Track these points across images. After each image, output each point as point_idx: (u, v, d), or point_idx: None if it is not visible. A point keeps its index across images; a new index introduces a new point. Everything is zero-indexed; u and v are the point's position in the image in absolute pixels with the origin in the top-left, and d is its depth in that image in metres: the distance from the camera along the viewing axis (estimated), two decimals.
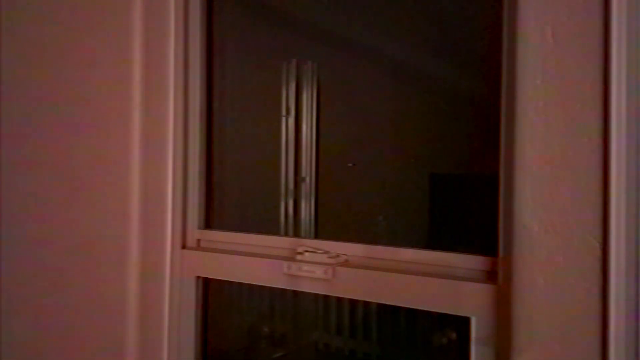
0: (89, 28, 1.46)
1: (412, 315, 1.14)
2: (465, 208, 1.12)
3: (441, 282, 1.02)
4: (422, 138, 1.17)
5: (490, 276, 0.99)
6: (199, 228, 1.37)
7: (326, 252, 1.17)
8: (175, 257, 1.34)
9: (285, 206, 1.34)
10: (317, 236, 1.31)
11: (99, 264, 1.43)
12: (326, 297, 1.24)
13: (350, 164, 1.26)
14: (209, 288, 1.38)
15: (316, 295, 1.25)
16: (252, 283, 1.27)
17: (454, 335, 1.08)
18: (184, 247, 1.36)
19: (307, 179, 1.32)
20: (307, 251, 1.19)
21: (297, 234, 1.33)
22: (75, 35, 1.48)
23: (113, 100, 1.40)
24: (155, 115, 1.35)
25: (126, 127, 1.37)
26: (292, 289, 1.21)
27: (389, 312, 1.17)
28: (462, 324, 1.01)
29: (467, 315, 0.99)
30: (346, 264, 1.15)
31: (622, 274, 0.82)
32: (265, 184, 1.39)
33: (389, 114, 1.21)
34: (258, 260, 1.25)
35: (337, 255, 1.16)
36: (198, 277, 1.35)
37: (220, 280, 1.33)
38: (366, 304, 1.20)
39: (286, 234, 1.34)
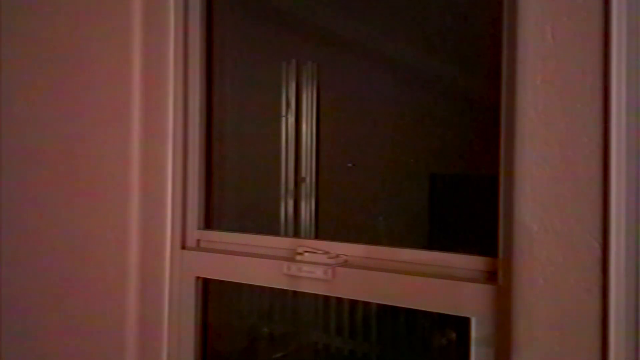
0: (88, 28, 1.46)
1: (412, 315, 1.14)
2: (465, 208, 1.11)
3: (441, 282, 1.02)
4: (422, 138, 1.17)
5: (490, 276, 0.99)
6: (199, 228, 1.37)
7: (326, 253, 1.17)
8: (175, 258, 1.34)
9: (285, 206, 1.34)
10: (317, 236, 1.31)
11: (99, 264, 1.43)
12: (326, 297, 1.24)
13: (350, 164, 1.26)
14: (208, 288, 1.38)
15: (316, 295, 1.25)
16: (251, 283, 1.27)
17: (453, 336, 1.08)
18: (183, 247, 1.36)
19: (307, 179, 1.32)
20: (307, 251, 1.19)
21: (297, 234, 1.32)
22: (75, 35, 1.48)
23: (113, 100, 1.40)
24: (155, 115, 1.35)
25: (126, 127, 1.37)
26: (292, 289, 1.21)
27: (388, 313, 1.17)
28: (462, 324, 1.01)
29: (467, 315, 0.99)
30: (346, 264, 1.15)
31: (622, 274, 0.82)
32: (265, 184, 1.39)
33: (389, 114, 1.21)
34: (258, 261, 1.25)
35: (337, 256, 1.16)
36: (198, 278, 1.34)
37: (219, 280, 1.33)
38: (366, 304, 1.20)
39: (286, 235, 1.33)
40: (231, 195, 1.43)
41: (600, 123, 0.84)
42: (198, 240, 1.37)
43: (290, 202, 1.34)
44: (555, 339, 0.86)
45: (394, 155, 1.20)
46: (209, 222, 1.40)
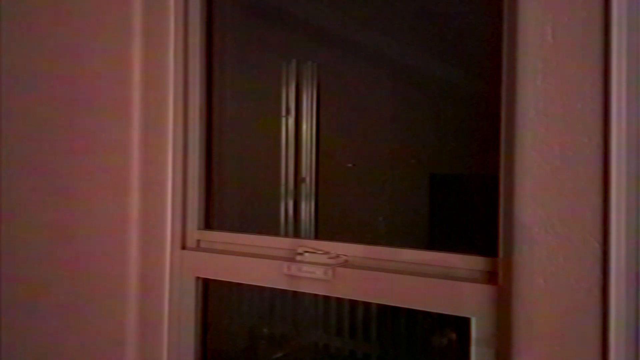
0: (89, 28, 1.46)
1: (412, 315, 1.13)
2: (465, 208, 1.11)
3: (441, 282, 1.02)
4: (422, 138, 1.17)
5: (490, 276, 0.99)
6: (199, 229, 1.37)
7: (326, 253, 1.17)
8: (175, 258, 1.34)
9: (285, 206, 1.34)
10: (317, 237, 1.31)
11: (99, 264, 1.43)
12: (326, 297, 1.24)
13: (350, 164, 1.26)
14: (208, 288, 1.38)
15: (316, 295, 1.25)
16: (252, 284, 1.27)
17: (454, 336, 1.08)
18: (183, 247, 1.36)
19: (307, 180, 1.32)
20: (307, 252, 1.19)
21: (297, 234, 1.32)
22: (75, 35, 1.48)
23: (113, 100, 1.40)
24: (155, 115, 1.35)
25: (126, 126, 1.37)
26: (292, 289, 1.21)
27: (388, 313, 1.17)
28: (462, 324, 1.01)
29: (467, 315, 0.99)
30: (346, 264, 1.15)
31: (622, 274, 0.81)
32: (265, 185, 1.39)
33: (389, 114, 1.21)
34: (258, 261, 1.25)
35: (337, 256, 1.16)
36: (198, 278, 1.34)
37: (220, 280, 1.33)
38: (366, 304, 1.20)
39: (286, 235, 1.33)
40: (231, 195, 1.43)
41: (600, 123, 0.84)
42: (198, 241, 1.37)
43: (290, 202, 1.34)
44: (555, 339, 0.86)
45: (394, 155, 1.20)
46: (209, 222, 1.40)
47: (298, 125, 1.33)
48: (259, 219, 1.40)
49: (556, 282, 0.86)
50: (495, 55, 0.98)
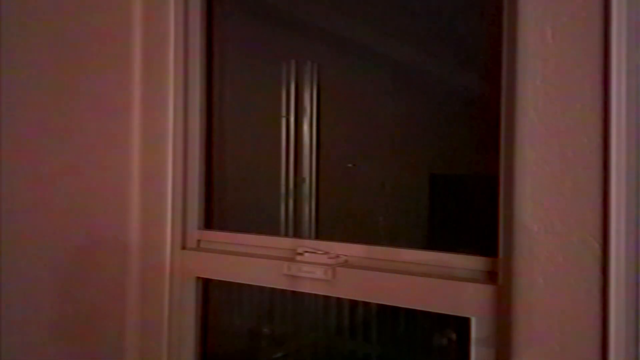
0: (89, 28, 1.46)
1: (412, 315, 1.13)
2: (465, 208, 1.11)
3: (441, 282, 1.02)
4: (422, 138, 1.17)
5: (490, 276, 0.99)
6: (199, 228, 1.37)
7: (326, 253, 1.17)
8: (175, 258, 1.34)
9: (286, 206, 1.34)
10: (317, 237, 1.30)
11: (99, 265, 1.43)
12: (326, 297, 1.24)
13: (350, 165, 1.26)
14: (208, 288, 1.38)
15: (316, 295, 1.25)
16: (252, 284, 1.27)
17: (453, 336, 1.08)
18: (184, 247, 1.36)
19: (307, 180, 1.32)
20: (307, 252, 1.19)
21: (297, 234, 1.32)
22: (75, 34, 1.48)
23: (113, 100, 1.40)
24: (155, 115, 1.35)
25: (126, 127, 1.37)
26: (292, 289, 1.21)
27: (388, 313, 1.17)
28: (462, 324, 1.01)
29: (467, 315, 0.99)
30: (346, 264, 1.15)
31: (622, 274, 0.82)
32: (266, 185, 1.39)
33: (389, 115, 1.21)
34: (258, 261, 1.25)
35: (337, 256, 1.16)
36: (198, 278, 1.34)
37: (220, 280, 1.33)
38: (366, 304, 1.20)
39: (286, 235, 1.33)
40: (231, 195, 1.43)
41: (600, 123, 0.84)
42: (198, 241, 1.37)
43: (291, 202, 1.34)
44: (555, 339, 0.86)
45: (394, 155, 1.20)
46: (209, 222, 1.40)
47: (298, 125, 1.33)
48: (259, 218, 1.40)
49: (556, 282, 0.86)
50: (495, 55, 0.98)
